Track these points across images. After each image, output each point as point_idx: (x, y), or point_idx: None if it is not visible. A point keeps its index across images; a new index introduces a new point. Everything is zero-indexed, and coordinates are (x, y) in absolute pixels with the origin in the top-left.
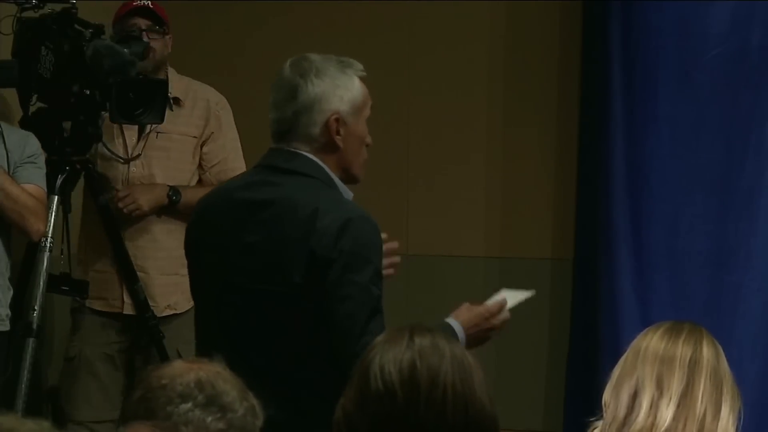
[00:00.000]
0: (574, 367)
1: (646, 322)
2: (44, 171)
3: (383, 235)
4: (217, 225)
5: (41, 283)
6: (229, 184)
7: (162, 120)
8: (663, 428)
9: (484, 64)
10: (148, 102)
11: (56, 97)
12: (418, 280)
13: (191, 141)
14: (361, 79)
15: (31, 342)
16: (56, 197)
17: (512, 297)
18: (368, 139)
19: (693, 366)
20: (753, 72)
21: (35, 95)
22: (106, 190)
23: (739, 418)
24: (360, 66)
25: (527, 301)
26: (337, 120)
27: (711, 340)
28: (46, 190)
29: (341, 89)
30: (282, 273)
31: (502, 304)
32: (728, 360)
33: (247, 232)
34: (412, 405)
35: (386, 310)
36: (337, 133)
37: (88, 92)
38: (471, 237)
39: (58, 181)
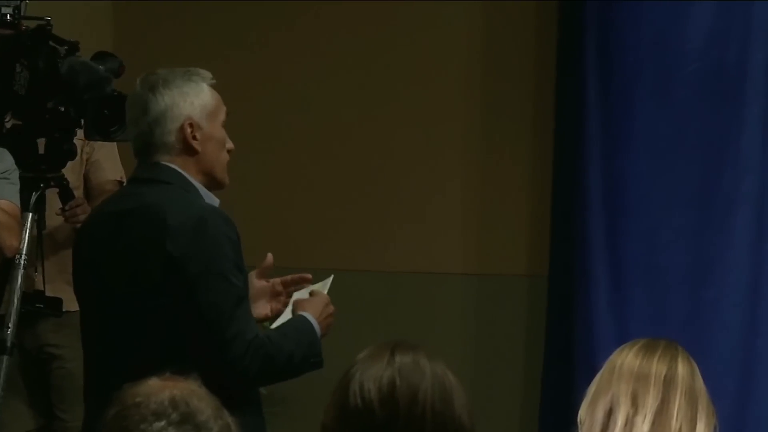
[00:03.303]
0: (549, 383)
1: (621, 338)
2: (18, 187)
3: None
4: (93, 239)
5: (15, 300)
6: (103, 202)
7: None
8: None
9: (461, 79)
10: (124, 119)
11: (31, 113)
12: (397, 297)
13: (79, 144)
14: (213, 87)
15: (5, 360)
16: (30, 214)
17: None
18: (229, 144)
19: (668, 383)
20: (729, 87)
21: (10, 112)
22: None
23: None
24: (209, 74)
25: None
26: (191, 125)
27: (686, 357)
28: (19, 206)
29: (190, 96)
30: (144, 274)
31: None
32: (705, 375)
33: (114, 241)
34: (391, 423)
35: (366, 327)
36: (194, 137)
37: (63, 109)
38: (449, 254)
39: (33, 198)
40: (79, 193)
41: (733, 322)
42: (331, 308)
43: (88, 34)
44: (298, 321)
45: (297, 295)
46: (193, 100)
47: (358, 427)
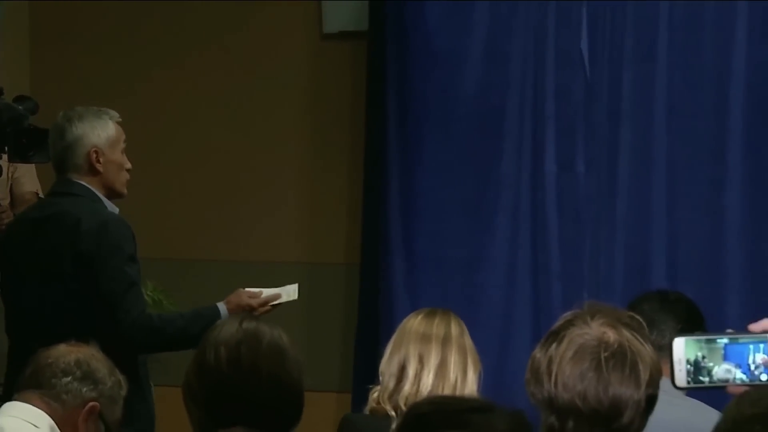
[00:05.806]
0: (360, 345)
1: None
2: None
3: None
4: (16, 239)
5: None
6: (26, 209)
7: (49, 159)
8: (425, 393)
9: (297, 114)
10: (38, 146)
11: None
12: (249, 281)
13: (5, 165)
14: (119, 123)
15: None
16: None
17: (285, 296)
18: (127, 165)
19: (445, 342)
20: (493, 125)
21: None
22: None
23: (480, 378)
24: (116, 114)
25: (321, 293)
26: (96, 152)
27: (457, 320)
28: None
29: (98, 129)
30: (60, 266)
31: (268, 301)
32: (475, 338)
33: (35, 240)
34: (234, 378)
35: None
36: (98, 161)
37: None
38: (286, 247)
39: None
40: (6, 203)
41: (496, 298)
42: (253, 305)
43: (7, 81)
44: (204, 307)
45: (286, 287)
46: (100, 132)
47: (211, 380)
